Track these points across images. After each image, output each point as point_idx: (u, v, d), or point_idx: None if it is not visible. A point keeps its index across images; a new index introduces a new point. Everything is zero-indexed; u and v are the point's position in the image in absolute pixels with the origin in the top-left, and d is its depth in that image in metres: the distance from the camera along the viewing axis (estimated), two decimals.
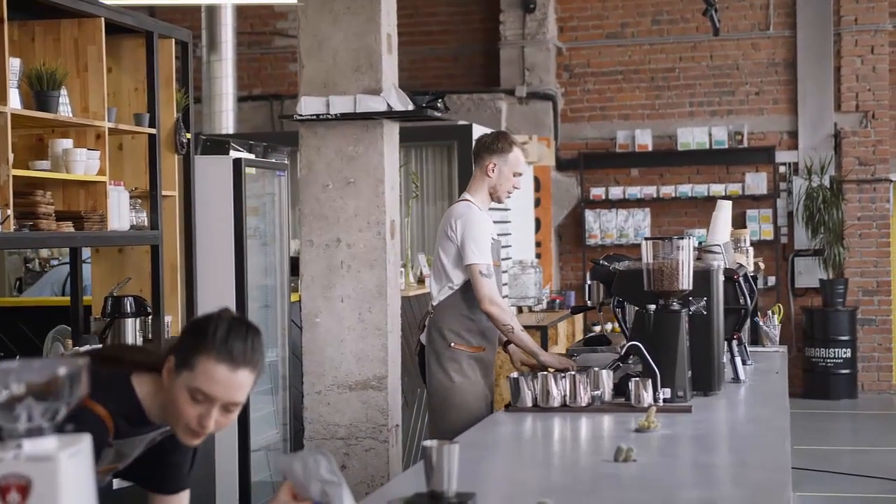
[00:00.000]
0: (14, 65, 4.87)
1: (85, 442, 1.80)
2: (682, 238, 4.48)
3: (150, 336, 5.73)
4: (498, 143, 5.48)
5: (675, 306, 4.46)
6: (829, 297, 12.52)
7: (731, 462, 3.47)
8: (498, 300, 5.24)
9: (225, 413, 2.64)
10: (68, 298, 5.91)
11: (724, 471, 3.37)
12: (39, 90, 4.97)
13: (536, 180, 12.45)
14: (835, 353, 12.44)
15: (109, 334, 5.51)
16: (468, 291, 5.31)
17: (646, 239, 4.53)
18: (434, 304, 5.46)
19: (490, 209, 5.55)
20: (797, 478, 8.28)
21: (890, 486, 8.49)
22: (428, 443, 2.75)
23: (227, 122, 10.72)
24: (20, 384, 1.75)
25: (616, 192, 13.07)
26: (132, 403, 2.70)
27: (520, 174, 5.50)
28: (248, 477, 6.58)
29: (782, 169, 12.94)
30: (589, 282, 5.24)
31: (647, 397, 4.23)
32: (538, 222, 12.54)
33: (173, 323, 6.00)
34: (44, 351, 5.88)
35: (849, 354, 12.45)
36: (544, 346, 9.18)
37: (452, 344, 5.35)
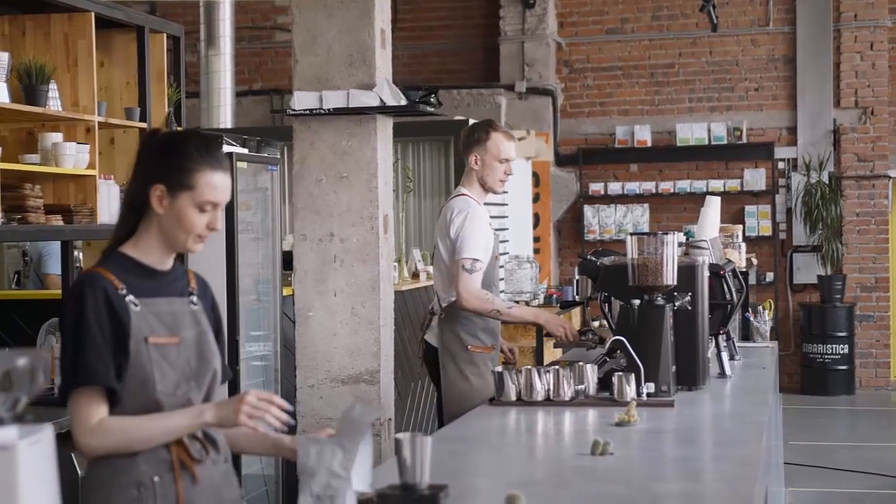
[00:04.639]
0: (3, 58, 4.89)
1: (45, 432, 1.82)
2: (667, 234, 4.49)
3: None
4: (474, 133, 5.41)
5: (660, 301, 4.47)
6: (827, 293, 12.52)
7: (706, 456, 3.49)
8: (477, 293, 5.17)
9: (221, 215, 2.94)
10: (60, 292, 5.93)
11: (697, 464, 3.38)
12: (28, 84, 4.99)
13: (535, 175, 12.47)
14: (832, 349, 12.45)
15: None
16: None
17: (631, 234, 4.54)
18: (443, 304, 5.34)
19: (487, 203, 5.54)
20: (792, 473, 8.30)
21: (886, 481, 8.51)
22: (400, 435, 2.77)
23: (224, 116, 10.72)
24: None
25: (615, 187, 13.08)
26: (127, 259, 2.92)
27: (506, 160, 5.38)
28: (239, 470, 6.59)
29: (781, 165, 12.95)
30: (577, 277, 5.24)
31: (630, 392, 4.24)
32: (537, 217, 12.55)
33: None
34: (37, 343, 5.90)
35: (846, 350, 12.46)
36: (539, 341, 9.15)
37: (469, 346, 5.27)
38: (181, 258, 3.08)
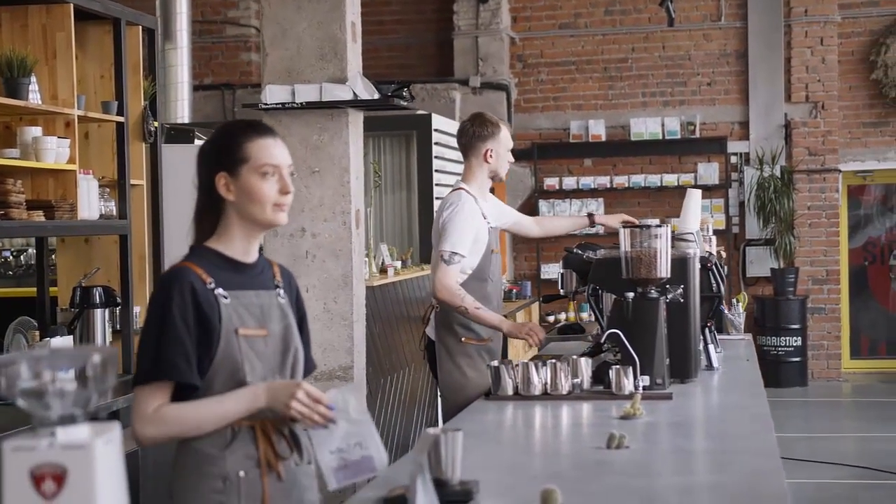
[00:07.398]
0: None
1: (115, 430, 1.78)
2: (661, 226, 4.49)
3: (118, 327, 5.67)
4: (487, 128, 5.44)
5: (654, 294, 4.47)
6: (779, 286, 12.65)
7: (721, 448, 3.48)
8: (450, 285, 5.11)
9: (288, 178, 2.95)
10: (34, 289, 5.81)
11: (716, 456, 3.38)
12: (9, 77, 4.88)
13: None
14: (785, 341, 12.58)
15: (78, 325, 5.44)
16: (473, 283, 5.22)
17: (624, 226, 4.54)
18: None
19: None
20: None
21: (841, 471, 8.61)
22: (432, 430, 2.75)
23: (182, 111, 10.61)
24: (52, 372, 1.73)
25: (570, 182, 13.12)
26: (213, 253, 2.94)
27: (511, 148, 5.56)
28: None
29: (734, 159, 13.05)
30: (561, 270, 5.22)
31: (629, 385, 4.25)
32: None
33: (142, 313, 5.93)
34: (5, 343, 5.79)
35: (799, 342, 12.61)
36: (504, 339, 9.12)
37: (463, 339, 5.25)
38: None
